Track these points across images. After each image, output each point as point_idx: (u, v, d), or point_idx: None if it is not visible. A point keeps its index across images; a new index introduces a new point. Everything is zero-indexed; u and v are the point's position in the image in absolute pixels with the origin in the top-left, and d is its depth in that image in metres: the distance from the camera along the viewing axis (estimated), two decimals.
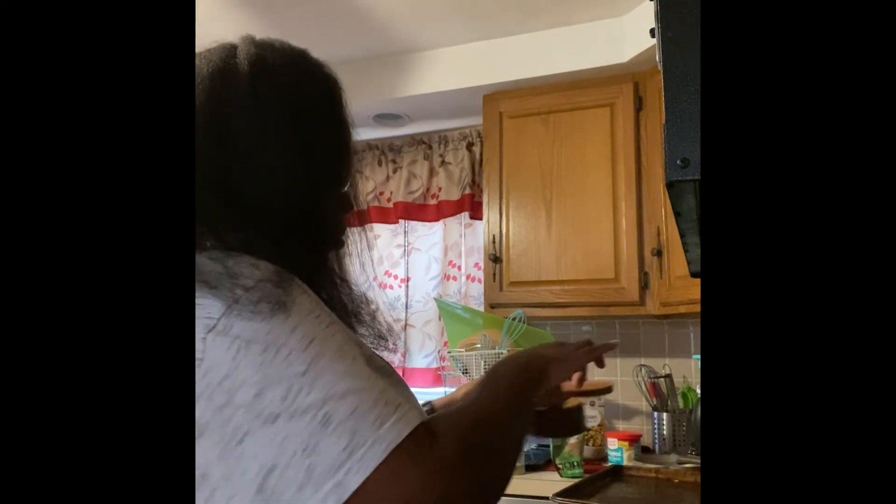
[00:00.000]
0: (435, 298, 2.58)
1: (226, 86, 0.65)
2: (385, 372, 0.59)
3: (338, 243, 0.73)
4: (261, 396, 0.50)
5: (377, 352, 0.66)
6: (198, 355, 0.51)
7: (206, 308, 0.53)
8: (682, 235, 0.98)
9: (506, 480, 0.60)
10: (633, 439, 2.09)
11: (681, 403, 2.14)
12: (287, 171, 0.65)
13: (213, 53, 0.67)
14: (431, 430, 0.54)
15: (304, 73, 0.70)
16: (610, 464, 2.04)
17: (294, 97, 0.67)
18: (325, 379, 0.52)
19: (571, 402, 0.95)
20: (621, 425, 2.38)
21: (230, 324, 0.52)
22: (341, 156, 0.71)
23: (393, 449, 0.51)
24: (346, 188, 0.73)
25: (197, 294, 0.53)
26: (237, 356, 0.51)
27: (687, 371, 2.29)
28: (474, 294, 2.63)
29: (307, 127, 0.67)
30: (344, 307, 0.71)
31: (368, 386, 0.53)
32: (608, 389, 1.04)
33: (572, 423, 0.94)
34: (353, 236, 0.75)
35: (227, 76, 0.65)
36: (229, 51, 0.68)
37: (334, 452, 0.50)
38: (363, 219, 0.77)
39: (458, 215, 2.68)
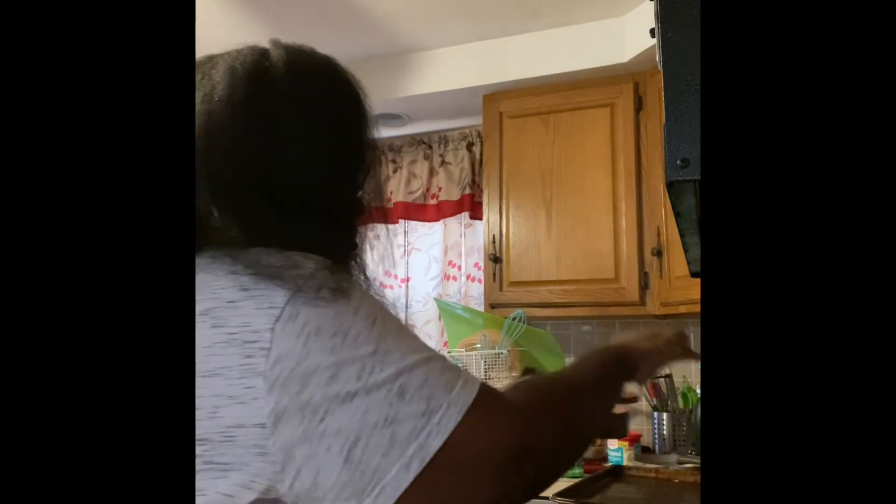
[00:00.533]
0: (435, 298, 2.58)
1: (264, 88, 0.66)
2: None
3: (361, 240, 0.75)
4: (336, 378, 0.53)
5: None
6: (263, 345, 0.52)
7: (269, 298, 0.54)
8: (682, 235, 0.98)
9: (575, 453, 0.66)
10: (633, 439, 2.09)
11: (681, 403, 2.14)
12: (324, 170, 0.67)
13: (246, 55, 0.68)
14: (495, 391, 0.59)
15: (336, 77, 0.72)
16: (610, 464, 2.04)
17: (329, 100, 0.69)
18: (394, 355, 0.55)
19: (619, 408, 0.97)
20: None
21: (296, 311, 0.54)
22: (369, 153, 0.73)
23: (467, 408, 0.55)
24: (371, 185, 0.75)
25: (256, 285, 0.55)
26: (307, 343, 0.53)
27: (687, 371, 2.29)
28: (474, 294, 2.63)
29: (341, 128, 0.69)
30: None
31: (432, 356, 0.57)
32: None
33: (619, 427, 0.97)
34: (378, 232, 0.76)
35: (265, 78, 0.66)
36: (262, 53, 0.69)
37: (414, 418, 0.53)
38: (387, 215, 0.78)
39: (458, 215, 2.68)
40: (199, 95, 0.64)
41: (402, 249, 2.78)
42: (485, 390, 0.57)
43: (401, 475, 0.52)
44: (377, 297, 0.60)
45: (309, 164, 0.66)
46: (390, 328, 0.57)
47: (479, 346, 2.18)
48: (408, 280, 2.76)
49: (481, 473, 0.55)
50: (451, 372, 0.57)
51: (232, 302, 0.54)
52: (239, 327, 0.53)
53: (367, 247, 0.73)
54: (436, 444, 0.53)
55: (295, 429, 0.52)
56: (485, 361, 2.15)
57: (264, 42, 0.71)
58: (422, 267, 2.75)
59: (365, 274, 0.71)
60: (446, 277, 2.69)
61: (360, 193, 0.72)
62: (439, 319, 2.57)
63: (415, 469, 0.53)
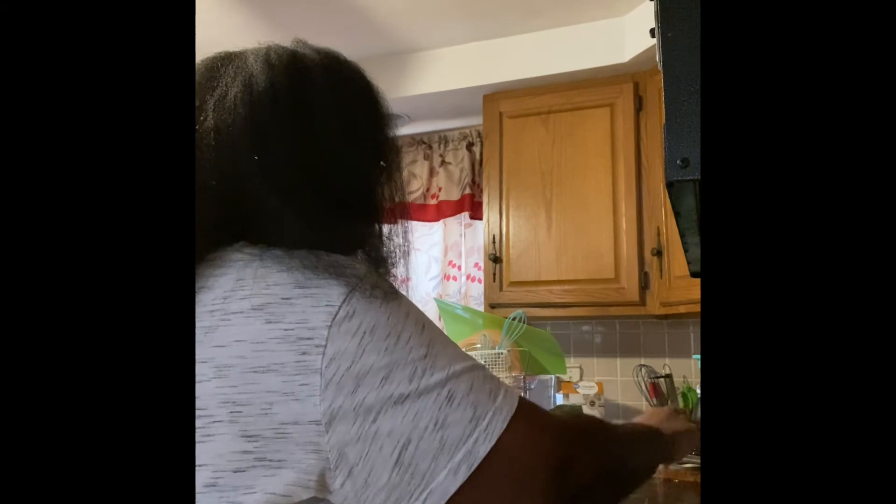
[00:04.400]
0: (435, 298, 2.58)
1: (305, 82, 0.66)
2: None
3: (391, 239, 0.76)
4: (389, 379, 0.54)
5: None
6: (319, 342, 0.53)
7: (326, 295, 0.55)
8: (682, 235, 0.98)
9: (616, 487, 0.67)
10: None
11: (681, 403, 2.14)
12: (361, 167, 0.68)
13: (277, 51, 0.68)
14: (534, 404, 0.60)
15: (361, 77, 0.73)
16: None
17: (361, 98, 0.70)
18: (443, 360, 0.56)
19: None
20: None
21: (352, 310, 0.55)
22: (394, 151, 0.74)
23: (512, 416, 0.56)
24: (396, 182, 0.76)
25: (312, 282, 0.55)
26: (362, 342, 0.54)
27: (687, 371, 2.29)
28: (474, 294, 2.63)
29: (372, 126, 0.71)
30: None
31: (474, 364, 0.59)
32: None
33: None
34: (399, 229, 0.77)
35: (304, 73, 0.67)
36: (293, 50, 0.69)
37: (463, 424, 0.54)
38: (407, 213, 0.79)
39: (458, 215, 2.68)
40: (234, 86, 0.64)
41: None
42: (525, 402, 0.59)
43: (449, 479, 0.53)
44: (414, 303, 0.62)
45: (349, 161, 0.66)
46: (437, 334, 0.59)
47: (479, 346, 2.18)
48: (408, 280, 2.76)
49: (527, 481, 0.56)
50: (493, 381, 0.58)
51: (287, 298, 0.55)
52: (295, 324, 0.54)
53: (395, 246, 0.74)
54: (483, 449, 0.54)
55: (349, 428, 0.53)
56: (485, 361, 2.15)
57: (273, 40, 0.72)
58: (422, 267, 2.75)
59: (395, 276, 0.72)
60: (446, 277, 2.69)
61: (386, 192, 0.73)
62: (439, 319, 2.57)
63: (463, 474, 0.53)
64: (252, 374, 0.52)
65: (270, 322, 0.54)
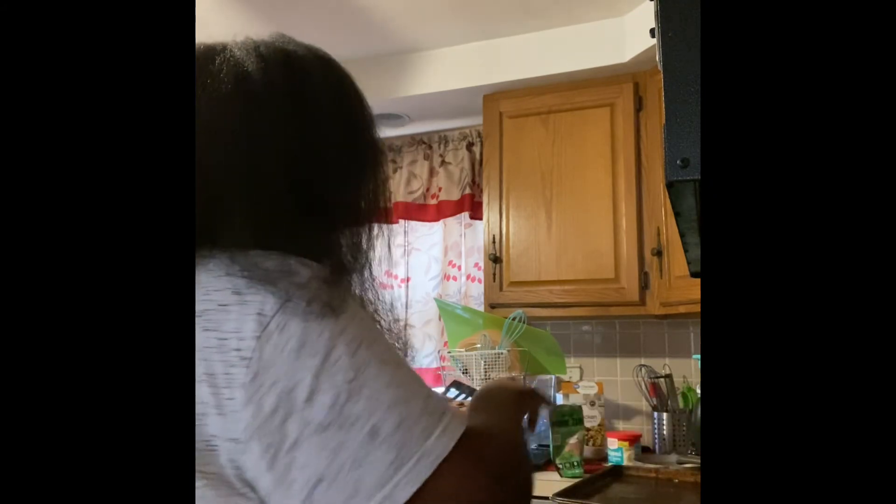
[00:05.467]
0: (435, 298, 2.58)
1: (303, 90, 0.64)
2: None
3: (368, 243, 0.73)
4: (311, 402, 0.50)
5: None
6: (246, 354, 0.50)
7: (260, 304, 0.52)
8: (682, 235, 0.98)
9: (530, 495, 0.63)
10: (633, 439, 2.09)
11: (681, 403, 2.14)
12: (341, 169, 0.65)
13: (265, 43, 0.66)
14: (475, 438, 0.55)
15: (343, 75, 0.70)
16: (610, 464, 2.04)
17: (343, 97, 0.68)
18: (373, 387, 0.52)
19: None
20: (621, 425, 2.38)
21: (284, 322, 0.51)
22: (376, 153, 0.72)
23: (441, 462, 0.51)
24: (377, 185, 0.73)
25: (246, 289, 0.52)
26: (289, 358, 0.50)
27: (687, 371, 2.29)
28: (474, 294, 2.63)
29: (355, 126, 0.68)
30: (366, 303, 0.71)
31: (413, 394, 0.53)
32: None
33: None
34: (381, 232, 0.74)
35: (304, 81, 0.65)
36: (283, 44, 0.67)
37: (382, 466, 0.50)
38: (389, 216, 0.76)
39: (458, 215, 2.68)
40: (226, 80, 0.61)
41: (402, 249, 2.78)
42: (463, 442, 0.53)
43: None
44: (369, 318, 0.57)
45: (331, 163, 0.64)
46: (375, 355, 0.53)
47: (479, 346, 2.18)
48: (408, 280, 2.76)
49: None
50: (431, 417, 0.53)
51: (224, 305, 0.52)
52: (229, 333, 0.51)
53: (373, 250, 0.72)
54: (402, 496, 0.50)
55: (263, 452, 0.50)
56: (485, 361, 2.15)
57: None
58: (422, 267, 2.75)
59: (367, 283, 0.69)
60: (446, 277, 2.69)
61: (366, 194, 0.71)
62: (439, 319, 2.57)
63: None
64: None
65: (207, 330, 0.51)
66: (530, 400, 0.83)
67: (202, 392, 0.50)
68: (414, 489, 0.50)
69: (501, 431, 0.64)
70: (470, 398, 1.00)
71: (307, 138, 0.63)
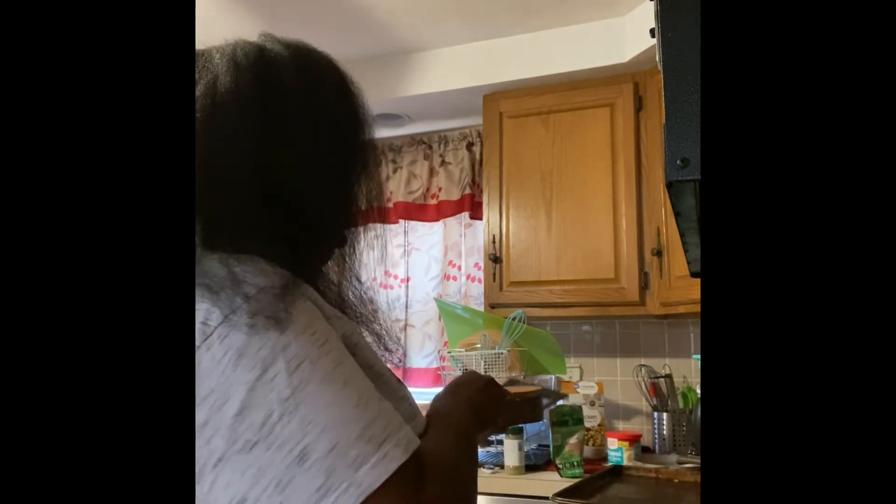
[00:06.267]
0: (435, 298, 2.58)
1: (269, 82, 0.63)
2: (383, 380, 0.58)
3: (345, 240, 0.71)
4: (241, 417, 0.49)
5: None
6: None
7: (204, 314, 0.51)
8: (682, 235, 0.98)
9: None
10: (633, 439, 2.09)
11: (681, 403, 2.14)
12: (320, 170, 0.64)
13: (245, 48, 0.65)
14: (412, 469, 0.52)
15: (336, 74, 0.69)
16: (610, 464, 2.04)
17: (330, 97, 0.67)
18: (308, 407, 0.49)
19: (530, 391, 0.98)
20: (621, 425, 2.38)
21: (225, 333, 0.50)
22: (367, 153, 0.70)
23: (369, 495, 0.49)
24: (368, 185, 0.72)
25: (200, 297, 0.52)
26: (226, 370, 0.49)
27: (687, 371, 2.29)
28: (474, 294, 2.63)
29: (340, 126, 0.67)
30: (347, 305, 0.69)
31: (353, 418, 0.51)
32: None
33: (532, 412, 0.97)
34: (368, 233, 0.73)
35: (269, 72, 0.64)
36: (260, 47, 0.66)
37: (307, 493, 0.48)
38: (385, 216, 0.74)
39: (458, 215, 2.68)
40: (199, 87, 0.61)
41: (402, 249, 2.78)
42: (400, 473, 0.50)
43: None
44: (322, 333, 0.54)
45: (305, 163, 0.63)
46: (316, 374, 0.51)
47: (479, 346, 2.18)
48: (408, 280, 2.76)
49: None
50: (369, 444, 0.50)
51: None
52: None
53: (357, 251, 0.70)
54: None
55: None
56: (485, 361, 2.15)
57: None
58: (422, 267, 2.75)
59: (349, 286, 0.66)
60: (446, 277, 2.69)
61: (354, 195, 0.70)
62: (439, 319, 2.57)
63: None
64: None
65: None
66: (492, 406, 0.76)
67: None
68: None
69: (441, 463, 0.58)
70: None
71: (275, 139, 0.62)
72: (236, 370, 0.49)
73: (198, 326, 0.50)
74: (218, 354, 0.49)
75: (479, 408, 0.73)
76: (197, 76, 0.62)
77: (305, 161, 0.63)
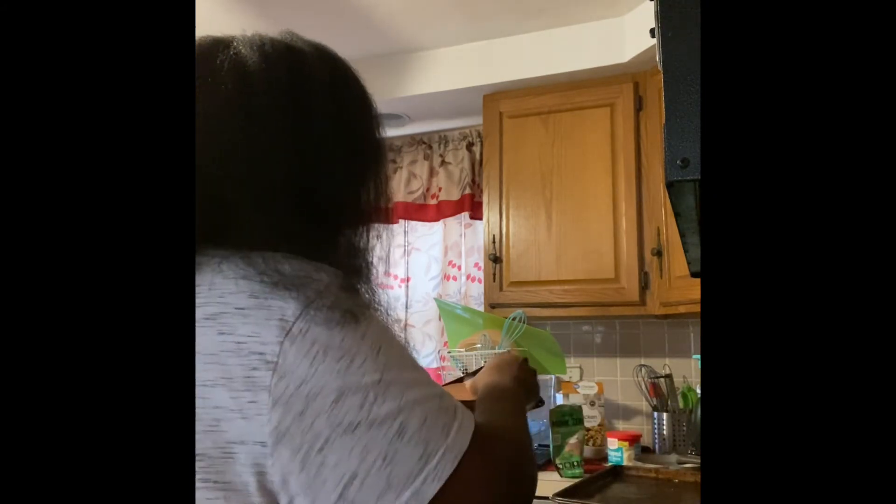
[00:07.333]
0: (435, 298, 2.58)
1: (305, 87, 0.64)
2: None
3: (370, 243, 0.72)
4: (339, 404, 0.51)
5: None
6: (270, 358, 0.51)
7: (281, 309, 0.52)
8: (682, 235, 0.98)
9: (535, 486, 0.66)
10: (633, 439, 2.09)
11: (681, 403, 2.14)
12: (346, 170, 0.65)
13: (273, 42, 0.65)
14: (486, 434, 0.58)
15: (352, 75, 0.71)
16: (610, 464, 2.04)
17: (352, 98, 0.68)
18: (397, 388, 0.54)
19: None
20: (621, 425, 2.38)
21: (306, 327, 0.52)
22: (381, 153, 0.72)
23: (463, 455, 0.54)
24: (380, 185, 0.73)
25: (268, 293, 0.53)
26: (314, 362, 0.51)
27: (687, 371, 2.29)
28: (474, 294, 2.63)
29: (361, 127, 0.69)
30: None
31: (432, 393, 0.56)
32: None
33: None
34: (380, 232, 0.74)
35: (303, 73, 0.64)
36: (289, 43, 0.66)
37: (412, 462, 0.52)
38: (390, 216, 0.75)
39: (458, 215, 2.68)
40: (228, 77, 0.61)
41: (402, 249, 2.78)
42: (478, 433, 0.56)
43: None
44: (382, 321, 0.59)
45: (336, 164, 0.64)
46: (394, 357, 0.55)
47: (479, 346, 2.18)
48: (408, 280, 2.76)
49: None
50: (448, 414, 0.56)
51: (241, 309, 0.52)
52: (247, 336, 0.51)
53: (374, 251, 0.71)
54: (431, 490, 0.52)
55: (294, 454, 0.50)
56: (485, 361, 2.15)
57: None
58: (422, 267, 2.75)
59: (372, 284, 0.68)
60: (446, 277, 2.69)
61: (368, 194, 0.70)
62: (439, 319, 2.57)
63: None
64: (200, 387, 0.50)
65: (223, 333, 0.51)
66: (532, 381, 0.91)
67: (219, 396, 0.50)
68: (442, 482, 0.52)
69: (507, 430, 0.67)
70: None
71: (308, 137, 0.62)
72: (325, 361, 0.52)
73: (274, 322, 0.52)
74: (304, 348, 0.51)
75: (524, 382, 0.89)
76: (218, 65, 0.62)
77: (333, 160, 0.64)
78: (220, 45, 0.64)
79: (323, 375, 0.51)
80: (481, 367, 0.97)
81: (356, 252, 0.67)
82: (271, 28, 0.70)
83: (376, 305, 0.66)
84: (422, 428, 0.53)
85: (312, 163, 0.62)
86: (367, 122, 0.70)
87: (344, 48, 0.75)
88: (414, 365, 0.57)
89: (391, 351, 0.56)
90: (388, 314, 0.69)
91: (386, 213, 0.72)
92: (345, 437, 0.51)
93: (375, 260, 0.69)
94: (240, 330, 0.52)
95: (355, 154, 0.66)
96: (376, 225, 0.71)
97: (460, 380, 1.04)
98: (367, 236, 0.69)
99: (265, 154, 0.60)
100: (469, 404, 0.79)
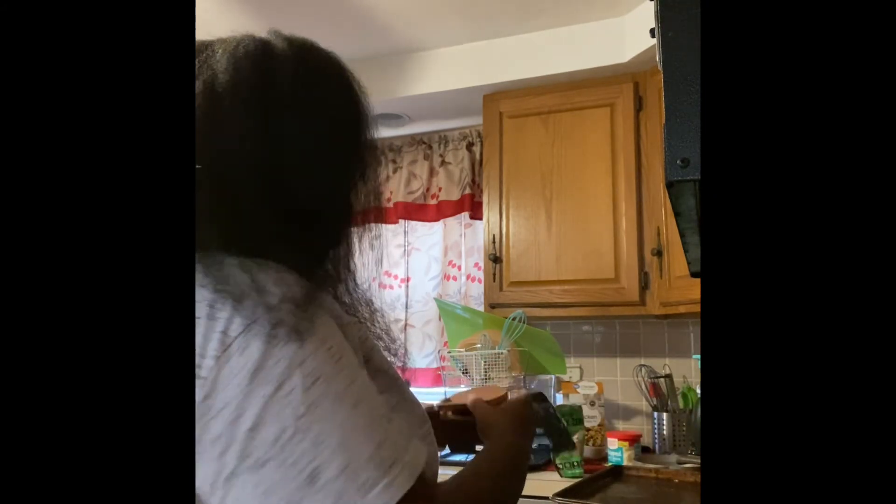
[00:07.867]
0: (435, 298, 2.58)
1: (270, 81, 0.62)
2: (397, 385, 0.58)
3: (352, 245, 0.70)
4: (255, 433, 0.48)
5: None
6: (203, 373, 0.49)
7: (224, 322, 0.50)
8: (682, 235, 0.98)
9: None
10: (633, 439, 2.09)
11: (681, 403, 2.14)
12: (323, 171, 0.63)
13: (248, 45, 0.64)
14: (426, 490, 0.52)
15: (340, 74, 0.68)
16: (610, 464, 2.04)
17: (332, 97, 0.66)
18: (322, 427, 0.49)
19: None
20: (621, 425, 2.38)
21: (245, 344, 0.49)
22: (368, 153, 0.69)
23: None
24: (369, 186, 0.70)
25: (217, 304, 0.51)
26: (242, 383, 0.49)
27: (687, 371, 2.29)
28: (474, 294, 2.63)
29: (342, 127, 0.66)
30: (347, 308, 0.69)
31: (364, 439, 0.50)
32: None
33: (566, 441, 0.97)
34: (366, 234, 0.72)
35: (270, 71, 0.63)
36: (265, 44, 0.65)
37: None
38: (383, 216, 0.73)
39: (458, 215, 2.68)
40: (198, 81, 0.60)
41: (402, 249, 2.78)
42: (408, 497, 0.50)
43: None
44: (337, 347, 0.53)
45: (309, 164, 0.62)
46: (331, 392, 0.50)
47: (479, 346, 2.18)
48: (408, 280, 2.76)
49: None
50: (378, 467, 0.49)
51: (198, 318, 0.50)
52: (197, 346, 0.50)
53: (358, 252, 0.69)
54: None
55: (203, 480, 0.48)
56: (485, 361, 2.15)
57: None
58: (422, 267, 2.75)
59: (354, 292, 0.66)
60: (446, 277, 2.69)
61: (355, 195, 0.68)
62: (439, 319, 2.57)
63: None
64: None
65: None
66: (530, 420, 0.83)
67: None
68: None
69: (487, 487, 0.62)
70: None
71: (277, 139, 0.60)
72: (252, 383, 0.48)
73: (217, 335, 0.50)
74: (236, 367, 0.49)
75: (531, 437, 0.82)
76: (197, 70, 0.61)
77: (305, 160, 0.62)
78: (198, 49, 0.63)
79: (247, 398, 0.48)
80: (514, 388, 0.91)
81: (335, 258, 0.65)
82: (270, 28, 0.70)
83: (355, 315, 0.63)
84: (338, 478, 0.48)
85: (282, 164, 0.60)
86: (351, 122, 0.67)
87: (344, 48, 0.73)
88: (356, 403, 0.51)
89: (331, 383, 0.51)
90: (374, 322, 0.67)
91: (376, 215, 0.69)
92: (250, 474, 0.47)
93: (363, 264, 0.67)
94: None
95: (334, 154, 0.64)
96: (365, 227, 0.68)
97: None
98: (349, 240, 0.67)
99: (230, 157, 0.58)
100: (489, 413, 0.76)
